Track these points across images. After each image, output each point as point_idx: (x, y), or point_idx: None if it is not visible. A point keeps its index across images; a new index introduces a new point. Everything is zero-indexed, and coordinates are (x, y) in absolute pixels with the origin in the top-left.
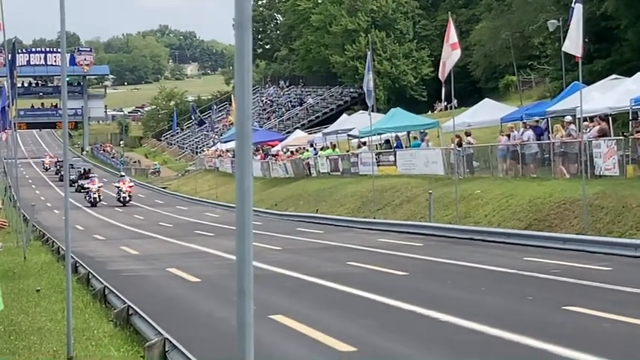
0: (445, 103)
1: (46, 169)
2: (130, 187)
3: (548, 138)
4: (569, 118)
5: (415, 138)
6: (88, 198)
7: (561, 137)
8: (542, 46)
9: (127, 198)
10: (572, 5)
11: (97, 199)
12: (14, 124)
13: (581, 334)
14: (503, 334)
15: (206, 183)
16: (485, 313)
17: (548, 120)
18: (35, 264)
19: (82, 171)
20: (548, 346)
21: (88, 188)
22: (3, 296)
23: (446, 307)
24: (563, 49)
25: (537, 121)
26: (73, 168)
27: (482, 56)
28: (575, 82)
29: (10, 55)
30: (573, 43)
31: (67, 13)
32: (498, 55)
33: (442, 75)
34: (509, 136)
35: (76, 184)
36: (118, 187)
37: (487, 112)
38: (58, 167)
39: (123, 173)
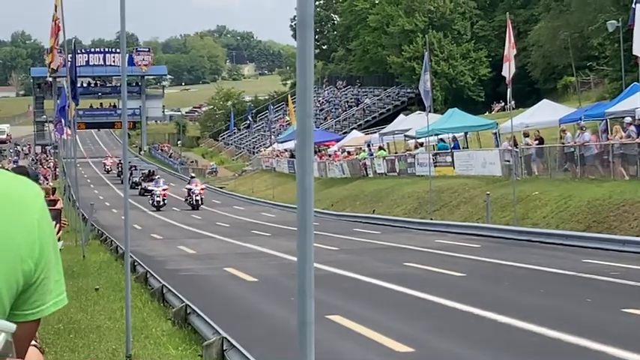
0: (503, 103)
1: (107, 171)
2: (202, 189)
3: (607, 139)
4: (628, 119)
5: (442, 140)
6: (151, 201)
7: (621, 138)
8: (601, 46)
9: (200, 201)
10: (633, 6)
11: (162, 203)
12: (73, 123)
13: None
14: (562, 336)
15: (263, 183)
16: (544, 315)
17: (607, 121)
18: (94, 263)
19: (147, 172)
20: (607, 348)
21: (152, 190)
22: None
23: (504, 308)
24: (634, 52)
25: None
26: (136, 170)
27: (541, 57)
28: (635, 82)
29: (70, 56)
30: (636, 44)
31: (126, 13)
32: (557, 55)
33: (509, 75)
34: (541, 140)
35: (140, 187)
36: (189, 190)
37: (545, 113)
38: (120, 169)
39: (193, 174)
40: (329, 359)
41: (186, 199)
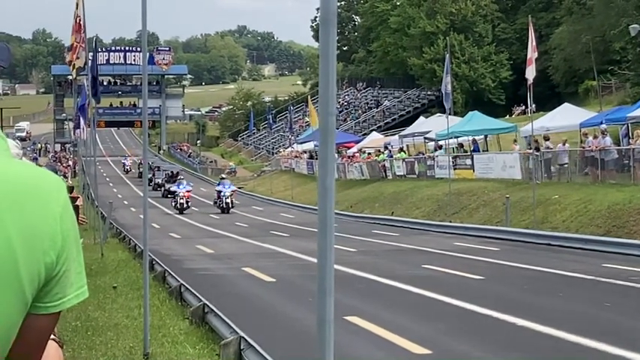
0: (523, 107)
1: (127, 172)
2: (232, 191)
3: (629, 144)
4: None
5: (440, 147)
6: (174, 204)
7: None
8: (623, 50)
9: (230, 205)
10: None
11: (185, 206)
12: (93, 121)
13: None
14: (581, 340)
15: (282, 184)
16: (562, 319)
17: (628, 125)
18: (112, 261)
19: (170, 174)
20: (626, 353)
21: (175, 192)
22: None
23: (522, 311)
24: None
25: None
26: (159, 170)
27: (562, 60)
28: None
29: (91, 54)
30: None
31: (147, 12)
32: (578, 59)
33: (531, 76)
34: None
35: (163, 189)
36: (219, 192)
37: (566, 116)
38: (141, 170)
39: (224, 175)
40: (346, 359)
41: (216, 202)
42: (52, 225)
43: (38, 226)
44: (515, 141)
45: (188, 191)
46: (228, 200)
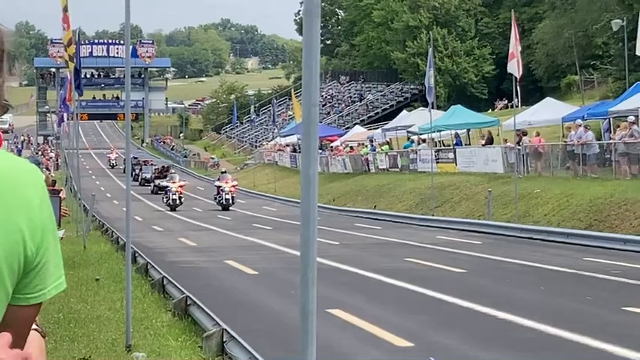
0: (505, 101)
1: (112, 166)
2: (234, 186)
3: (610, 138)
4: (632, 118)
5: (409, 139)
6: (166, 200)
7: (624, 135)
8: (605, 45)
9: (230, 201)
10: None
11: (178, 202)
12: (76, 114)
13: None
14: (562, 334)
15: (265, 177)
16: (543, 312)
17: (610, 120)
18: (95, 253)
19: (160, 168)
20: (607, 346)
21: (167, 187)
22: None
23: (504, 305)
24: (637, 52)
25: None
26: (146, 165)
27: (545, 55)
28: (639, 82)
29: (74, 47)
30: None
31: (130, 4)
32: (561, 54)
33: (518, 72)
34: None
35: (152, 184)
36: (219, 187)
37: (548, 111)
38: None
39: (224, 169)
40: (328, 352)
41: (216, 198)
42: (31, 217)
43: (17, 217)
44: (483, 137)
45: (181, 185)
46: (229, 196)
